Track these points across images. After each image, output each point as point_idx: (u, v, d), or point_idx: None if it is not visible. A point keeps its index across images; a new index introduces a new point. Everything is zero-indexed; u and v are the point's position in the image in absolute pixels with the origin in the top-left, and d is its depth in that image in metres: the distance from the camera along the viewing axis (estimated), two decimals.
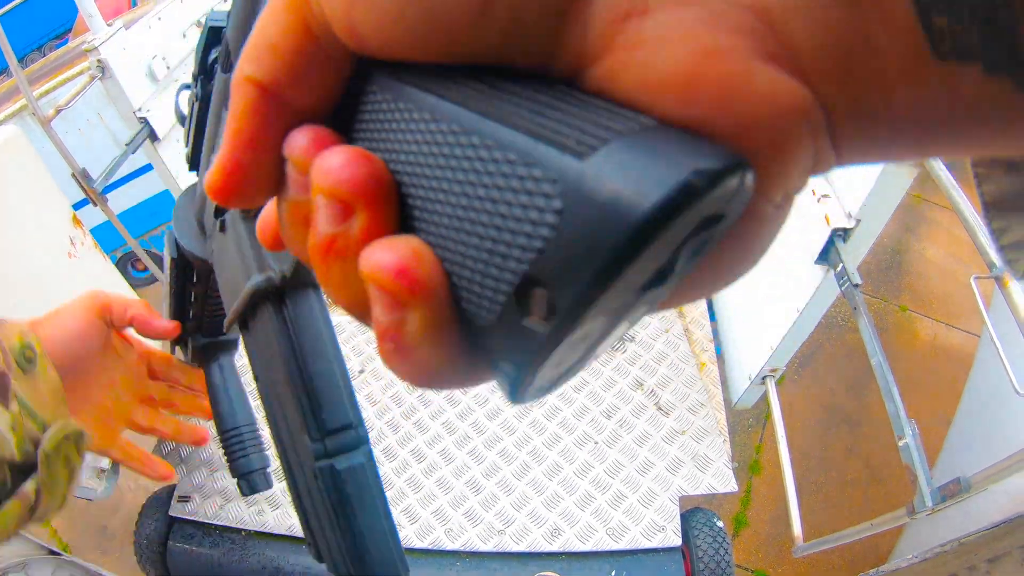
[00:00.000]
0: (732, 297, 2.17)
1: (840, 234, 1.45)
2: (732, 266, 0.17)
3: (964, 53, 0.13)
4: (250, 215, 0.37)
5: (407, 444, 1.88)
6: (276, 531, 1.80)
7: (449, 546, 1.69)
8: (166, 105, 2.14)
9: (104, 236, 3.47)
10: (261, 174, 0.20)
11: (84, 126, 2.90)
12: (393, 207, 0.17)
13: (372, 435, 1.90)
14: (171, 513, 1.90)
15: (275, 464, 0.65)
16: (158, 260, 3.82)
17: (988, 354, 1.87)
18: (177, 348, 0.79)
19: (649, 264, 0.12)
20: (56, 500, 0.57)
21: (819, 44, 0.13)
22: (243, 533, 1.83)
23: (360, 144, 0.19)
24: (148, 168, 2.28)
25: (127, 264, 3.82)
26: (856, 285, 1.39)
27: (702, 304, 2.14)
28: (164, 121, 2.10)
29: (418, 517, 1.74)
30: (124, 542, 2.18)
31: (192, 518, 1.88)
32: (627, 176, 0.11)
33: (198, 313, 0.70)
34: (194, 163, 0.50)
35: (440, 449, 1.86)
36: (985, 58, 0.13)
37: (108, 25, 1.90)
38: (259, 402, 0.41)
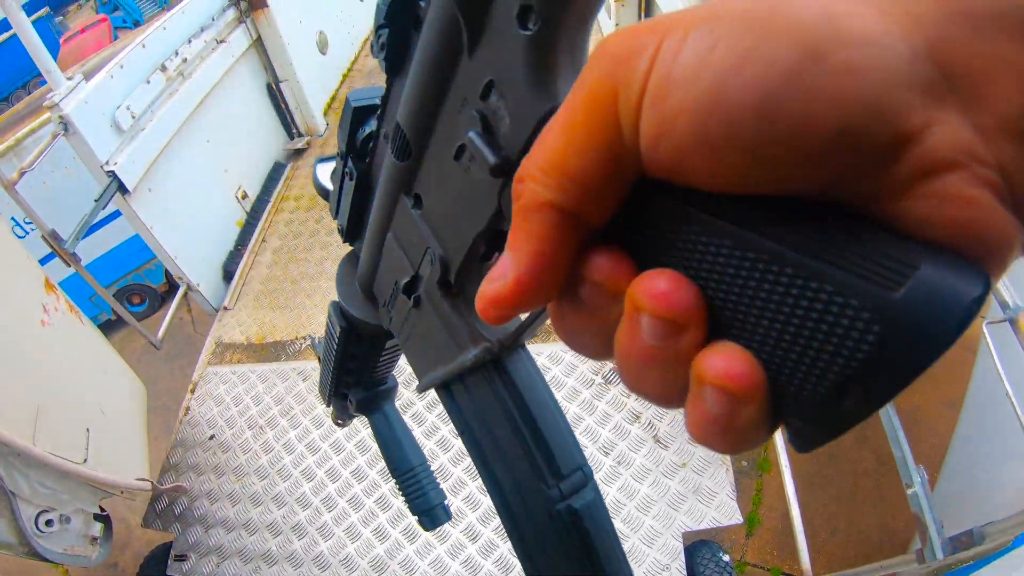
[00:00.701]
0: None
1: None
2: None
3: None
4: (452, 291, 0.39)
5: (400, 494, 1.84)
6: None
7: None
8: (135, 155, 2.10)
9: (95, 274, 3.46)
10: (553, 288, 0.24)
11: (69, 164, 2.85)
12: (709, 322, 0.21)
13: (365, 484, 1.87)
14: (169, 573, 1.87)
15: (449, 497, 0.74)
16: (151, 292, 3.79)
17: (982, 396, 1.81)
18: (334, 400, 0.81)
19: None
20: None
21: None
22: None
23: (657, 264, 0.22)
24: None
25: (123, 298, 3.81)
26: None
27: None
28: (133, 173, 2.05)
29: (415, 568, 1.70)
30: None
31: None
32: (931, 307, 0.16)
33: (358, 370, 0.72)
34: (350, 235, 0.52)
35: None
36: None
37: (68, 79, 1.83)
38: (469, 456, 0.43)
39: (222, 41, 2.59)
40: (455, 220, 0.34)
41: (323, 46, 3.17)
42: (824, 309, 0.18)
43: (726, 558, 1.71)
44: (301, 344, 2.32)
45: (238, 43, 2.70)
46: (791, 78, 0.17)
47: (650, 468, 1.77)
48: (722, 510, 1.69)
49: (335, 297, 0.62)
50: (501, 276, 0.24)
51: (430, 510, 0.78)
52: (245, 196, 2.86)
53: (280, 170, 3.15)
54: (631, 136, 0.20)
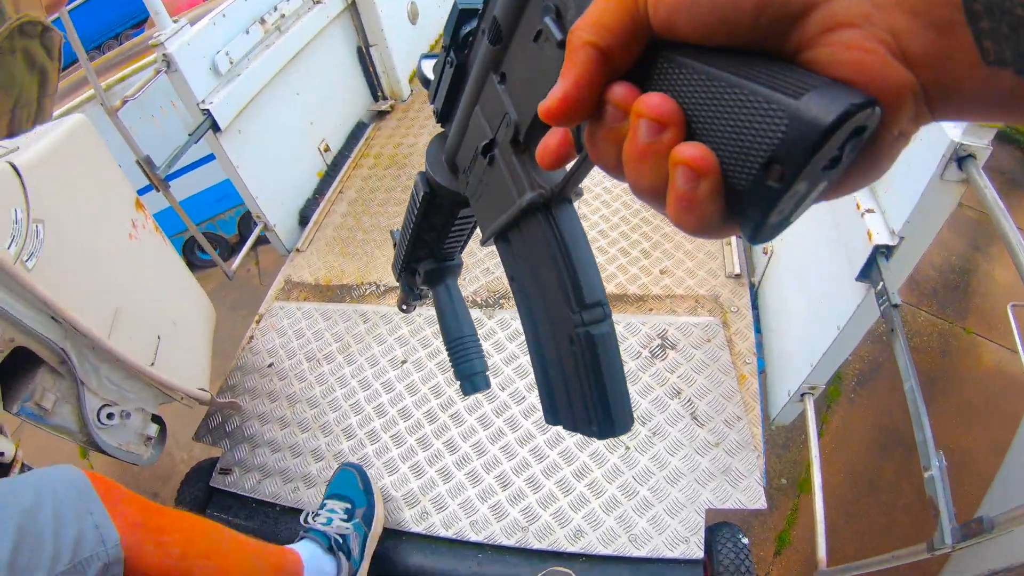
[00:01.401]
0: (776, 309, 2.11)
1: (883, 251, 1.39)
2: (869, 171, 0.29)
3: (1003, 62, 0.23)
4: (520, 148, 0.47)
5: (442, 435, 1.91)
6: (308, 508, 1.84)
7: (473, 538, 1.72)
8: (229, 97, 2.24)
9: (170, 220, 3.64)
10: (586, 106, 0.33)
11: (155, 114, 3.04)
12: (684, 126, 0.30)
13: (409, 423, 1.95)
14: (212, 484, 2.00)
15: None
16: (223, 243, 3.98)
17: None
18: (404, 275, 0.90)
19: (830, 149, 0.24)
20: (23, 104, 0.61)
21: (923, 52, 0.25)
22: (277, 508, 1.91)
23: (658, 91, 0.31)
24: (212, 157, 2.40)
25: (194, 246, 3.99)
26: (895, 306, 1.33)
27: (747, 315, 2.10)
28: (226, 113, 2.20)
29: (446, 506, 1.77)
30: None
31: (231, 490, 1.97)
32: (819, 107, 0.23)
33: (432, 241, 0.81)
34: (443, 117, 0.61)
35: (474, 442, 1.88)
36: (1016, 66, 0.23)
37: (174, 21, 1.99)
38: (513, 297, 0.53)
39: (319, 2, 2.73)
40: (529, 89, 0.43)
41: (413, 16, 3.28)
42: (754, 113, 0.26)
43: (745, 540, 1.71)
44: (366, 289, 2.42)
45: (333, 5, 2.82)
46: None
47: (683, 443, 1.80)
48: (748, 493, 1.70)
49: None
50: (553, 95, 0.33)
51: (472, 375, 0.85)
52: (327, 149, 2.98)
53: (363, 129, 3.26)
54: (643, 3, 0.30)
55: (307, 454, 1.96)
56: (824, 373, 1.75)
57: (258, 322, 2.38)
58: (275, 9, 2.43)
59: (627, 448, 1.81)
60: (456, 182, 0.65)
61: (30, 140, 1.66)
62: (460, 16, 0.53)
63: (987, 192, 1.14)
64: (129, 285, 1.80)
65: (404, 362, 2.11)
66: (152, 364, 1.81)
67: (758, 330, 2.14)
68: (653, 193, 0.32)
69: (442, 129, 0.65)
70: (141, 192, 2.01)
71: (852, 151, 0.26)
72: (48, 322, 1.56)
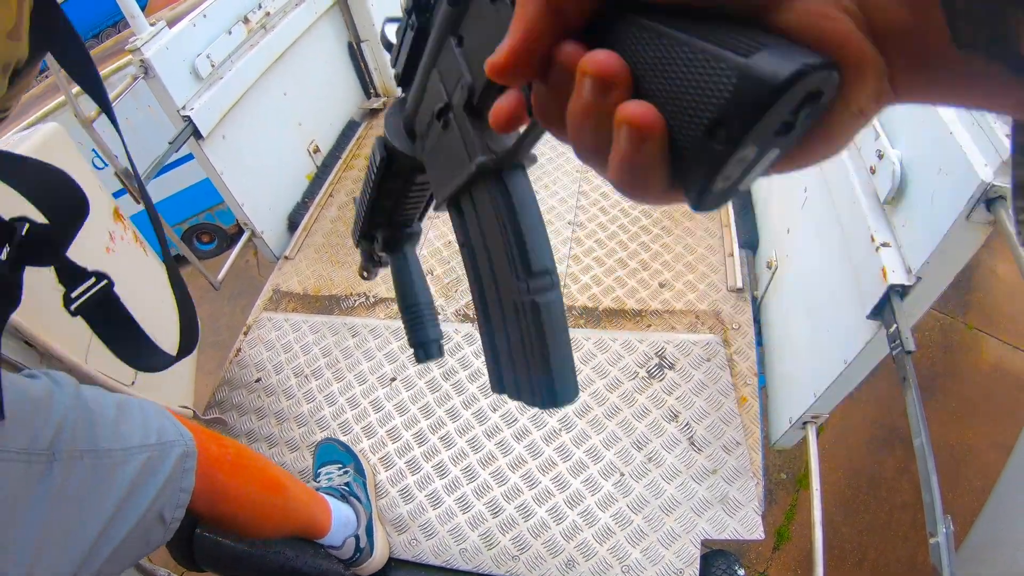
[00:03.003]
0: (780, 326, 2.04)
1: (897, 291, 1.32)
2: (823, 145, 0.27)
3: (975, 47, 0.22)
4: (473, 112, 0.45)
5: (432, 458, 1.86)
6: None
7: (463, 567, 1.68)
8: (211, 102, 2.16)
9: (167, 210, 3.54)
10: (533, 62, 0.31)
11: (131, 117, 2.92)
12: (631, 84, 0.28)
13: (398, 445, 1.90)
14: None
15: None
16: (221, 233, 3.92)
17: None
18: (362, 242, 0.89)
19: (780, 112, 0.22)
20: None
21: (892, 29, 0.24)
22: None
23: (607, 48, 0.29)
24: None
25: (192, 237, 3.95)
26: (909, 352, 1.26)
27: (749, 332, 2.03)
28: (209, 119, 2.11)
29: (435, 533, 1.73)
30: None
31: None
32: (769, 65, 0.22)
33: (390, 207, 0.80)
34: (404, 81, 0.60)
35: (464, 466, 1.84)
36: (989, 51, 0.22)
37: (151, 25, 1.89)
38: (464, 264, 0.51)
39: None
40: (484, 52, 0.40)
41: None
42: (703, 71, 0.24)
43: (741, 572, 1.67)
44: (355, 300, 2.37)
45: (322, 0, 2.73)
46: None
47: (680, 470, 1.75)
48: (745, 523, 1.65)
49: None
50: (500, 49, 0.31)
51: (426, 343, 0.85)
52: (317, 150, 2.89)
53: (354, 128, 3.17)
54: None
55: (295, 475, 1.91)
56: (828, 404, 1.69)
57: (246, 334, 2.32)
58: (260, 7, 2.33)
59: (622, 475, 1.76)
60: (414, 148, 0.63)
61: None
62: None
63: (1016, 239, 1.06)
64: None
65: (393, 380, 2.05)
66: (132, 383, 1.76)
67: (759, 343, 2.07)
68: (596, 154, 0.30)
69: (402, 94, 0.64)
70: (118, 194, 1.94)
71: (807, 118, 0.24)
72: (23, 348, 1.51)
